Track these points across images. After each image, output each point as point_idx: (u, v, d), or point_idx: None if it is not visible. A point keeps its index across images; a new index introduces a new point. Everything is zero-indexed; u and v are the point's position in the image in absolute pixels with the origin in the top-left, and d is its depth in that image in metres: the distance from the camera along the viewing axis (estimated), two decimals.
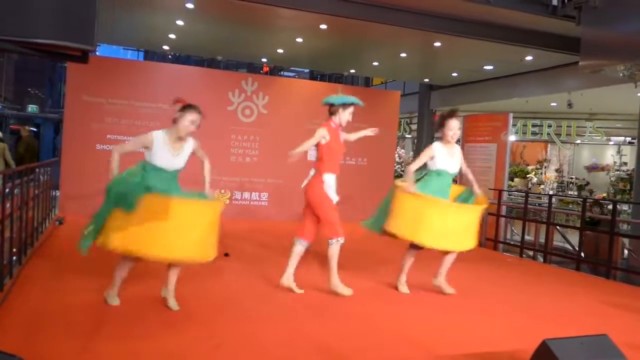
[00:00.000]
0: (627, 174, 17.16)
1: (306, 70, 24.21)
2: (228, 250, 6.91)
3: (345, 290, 5.14)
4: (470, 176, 5.49)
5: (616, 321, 4.93)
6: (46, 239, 7.08)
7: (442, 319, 4.69)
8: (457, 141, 5.54)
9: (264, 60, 15.48)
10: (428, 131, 17.71)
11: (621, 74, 9.64)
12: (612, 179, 18.04)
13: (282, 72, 27.71)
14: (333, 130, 5.33)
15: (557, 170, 19.29)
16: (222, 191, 10.50)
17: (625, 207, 13.16)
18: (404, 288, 5.46)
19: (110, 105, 9.84)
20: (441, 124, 5.47)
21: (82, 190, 9.53)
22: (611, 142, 19.71)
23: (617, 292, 6.22)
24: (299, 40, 11.56)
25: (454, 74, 14.91)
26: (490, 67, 13.49)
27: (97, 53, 24.11)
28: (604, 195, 17.10)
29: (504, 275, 6.46)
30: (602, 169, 19.26)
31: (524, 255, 8.48)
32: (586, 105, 15.68)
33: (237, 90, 10.65)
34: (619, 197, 16.02)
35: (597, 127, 18.42)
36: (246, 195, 10.70)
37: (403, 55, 12.54)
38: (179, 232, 4.05)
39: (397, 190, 5.27)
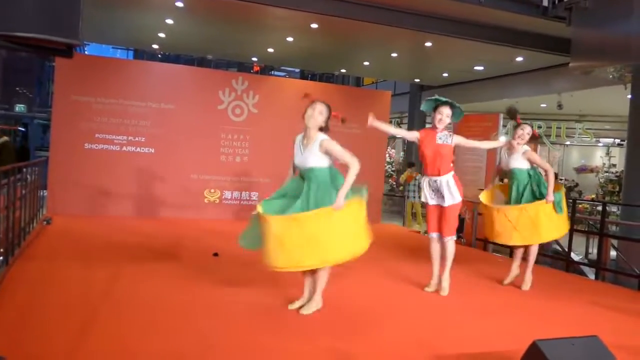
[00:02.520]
0: (616, 176, 17.26)
1: (297, 70, 24.20)
2: (217, 250, 6.86)
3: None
4: None
5: (606, 322, 4.93)
6: (34, 239, 7.00)
7: (433, 319, 4.67)
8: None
9: (254, 59, 15.45)
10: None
11: (611, 76, 9.69)
12: (601, 180, 18.14)
13: (272, 72, 27.67)
14: (426, 134, 5.43)
15: None
16: (212, 190, 10.45)
17: (614, 208, 13.24)
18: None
19: (99, 104, 9.76)
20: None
21: (71, 190, 9.47)
22: (600, 144, 19.84)
23: (607, 293, 6.23)
24: (290, 39, 11.53)
25: (445, 74, 14.94)
26: (481, 68, 13.53)
27: (86, 52, 23.97)
28: (593, 196, 17.20)
29: (494, 276, 6.45)
30: (591, 170, 19.37)
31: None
32: (576, 106, 15.77)
33: (228, 89, 10.60)
34: (607, 198, 16.11)
35: (586, 129, 18.54)
36: (236, 194, 10.65)
37: (394, 55, 12.55)
38: (326, 239, 4.15)
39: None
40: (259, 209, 4.35)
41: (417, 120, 17.59)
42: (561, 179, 19.24)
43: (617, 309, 5.42)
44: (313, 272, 4.50)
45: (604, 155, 19.05)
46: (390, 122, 18.56)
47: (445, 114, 5.35)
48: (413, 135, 5.53)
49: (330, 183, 4.30)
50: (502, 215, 5.82)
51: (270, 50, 12.90)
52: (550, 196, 5.72)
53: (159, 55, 24.13)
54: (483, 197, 6.19)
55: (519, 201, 5.85)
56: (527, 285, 5.96)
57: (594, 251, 9.28)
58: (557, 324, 4.76)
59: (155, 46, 13.84)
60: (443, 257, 5.49)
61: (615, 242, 8.99)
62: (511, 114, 5.96)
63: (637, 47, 8.31)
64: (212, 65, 22.66)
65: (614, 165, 18.35)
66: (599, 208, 9.40)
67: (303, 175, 4.42)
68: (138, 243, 7.39)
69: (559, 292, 6.01)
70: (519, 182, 5.89)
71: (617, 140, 18.71)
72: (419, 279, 5.97)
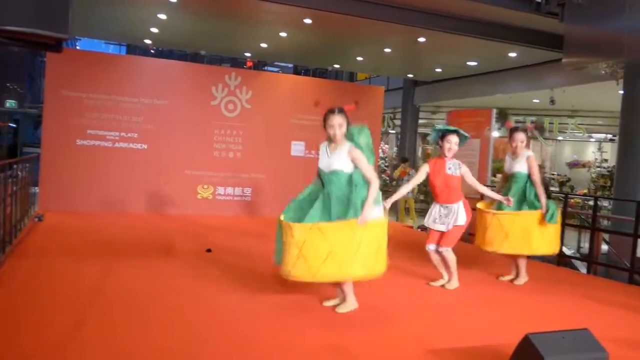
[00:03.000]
0: (608, 171, 17.36)
1: (290, 65, 24.16)
2: (211, 246, 6.86)
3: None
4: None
5: (597, 315, 4.97)
6: (25, 236, 6.98)
7: (428, 314, 4.69)
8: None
9: (247, 54, 15.42)
10: (412, 126, 17.76)
11: (603, 72, 9.72)
12: (593, 175, 18.24)
13: (265, 67, 27.61)
14: (434, 163, 5.53)
15: (539, 167, 19.44)
16: (205, 186, 10.43)
17: (605, 203, 13.31)
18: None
19: (91, 100, 9.70)
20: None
21: (62, 186, 9.43)
22: (592, 139, 19.92)
23: (598, 286, 6.27)
24: (283, 34, 11.51)
25: (438, 70, 14.96)
26: (474, 63, 13.55)
27: (77, 47, 23.86)
28: (585, 191, 17.29)
29: (488, 271, 6.48)
30: (583, 165, 19.48)
31: None
32: (568, 102, 15.81)
33: (221, 84, 10.57)
34: (599, 193, 16.20)
35: (578, 124, 18.61)
36: (229, 190, 10.64)
37: (387, 50, 12.55)
38: (347, 252, 4.16)
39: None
40: (282, 217, 4.38)
41: (410, 115, 17.63)
42: (553, 174, 19.34)
43: (608, 302, 5.46)
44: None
45: (595, 151, 19.15)
46: (383, 117, 18.58)
47: (453, 142, 5.45)
48: (424, 172, 5.56)
49: (349, 189, 4.32)
50: (496, 220, 5.86)
51: (264, 45, 12.87)
52: (545, 207, 5.81)
53: (152, 51, 24.04)
54: (482, 204, 6.27)
55: (514, 205, 5.89)
56: (521, 280, 6.02)
57: (585, 245, 9.33)
58: (549, 317, 4.80)
59: (147, 41, 13.78)
60: (447, 266, 5.60)
61: (606, 236, 9.05)
62: (502, 117, 6.06)
63: (629, 43, 8.35)
64: (205, 61, 22.59)
65: (606, 160, 18.46)
66: (591, 203, 9.44)
67: (323, 178, 4.46)
68: (130, 239, 7.37)
69: (552, 285, 6.05)
70: (518, 185, 5.95)
71: (609, 136, 18.80)
72: (415, 274, 6.00)
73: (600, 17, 8.89)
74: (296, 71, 23.67)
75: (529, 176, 5.94)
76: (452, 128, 5.57)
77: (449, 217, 5.47)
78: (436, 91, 16.73)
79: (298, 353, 3.54)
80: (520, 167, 5.94)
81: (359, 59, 14.07)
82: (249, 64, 24.72)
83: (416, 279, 5.83)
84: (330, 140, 4.47)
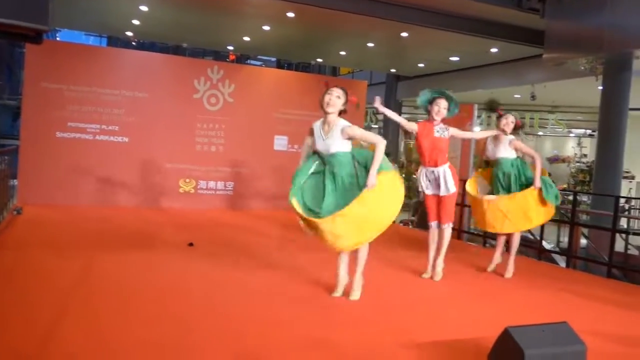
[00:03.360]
0: (587, 166, 17.58)
1: (273, 59, 24.03)
2: (193, 240, 6.83)
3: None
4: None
5: (576, 309, 5.04)
6: (4, 229, 6.89)
7: (414, 307, 4.72)
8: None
9: (230, 48, 15.32)
10: (394, 121, 17.78)
11: (583, 67, 9.84)
12: (572, 170, 18.44)
13: (248, 61, 27.45)
14: (423, 126, 5.61)
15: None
16: (187, 180, 10.37)
17: (584, 198, 13.48)
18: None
19: (71, 92, 9.58)
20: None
21: (42, 179, 9.31)
22: (572, 134, 20.14)
23: (577, 280, 6.36)
24: (266, 28, 11.46)
25: (421, 65, 15.00)
26: (456, 59, 13.61)
27: (57, 38, 23.50)
28: (565, 186, 17.48)
29: (469, 264, 6.54)
30: (563, 160, 19.69)
31: (487, 245, 8.60)
32: (549, 97, 15.96)
33: (203, 78, 10.50)
34: (579, 188, 16.39)
35: (559, 120, 18.79)
36: (212, 184, 10.59)
37: (370, 45, 12.56)
38: (375, 215, 4.38)
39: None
40: (294, 203, 4.46)
41: (393, 110, 17.64)
42: None
43: (587, 295, 5.54)
44: (354, 251, 4.65)
45: (575, 146, 19.37)
46: (366, 112, 18.61)
47: (442, 106, 5.54)
48: (411, 127, 5.67)
49: (353, 165, 4.46)
50: (493, 206, 5.91)
51: (247, 38, 12.80)
52: (538, 182, 5.85)
53: (133, 43, 23.77)
54: (469, 186, 6.29)
55: (506, 190, 5.97)
56: (509, 273, 6.11)
57: (565, 239, 9.44)
58: (529, 310, 4.85)
59: (129, 33, 13.62)
60: (439, 244, 5.70)
61: (585, 230, 9.16)
62: (492, 105, 6.13)
63: (609, 39, 8.45)
64: (187, 54, 22.38)
65: (585, 156, 18.68)
66: (570, 197, 9.56)
67: (325, 159, 4.52)
68: (111, 232, 7.32)
69: (532, 279, 6.12)
70: (504, 171, 6.01)
71: (589, 131, 19.03)
72: (402, 267, 6.03)
73: (581, 13, 8.98)
74: (279, 65, 23.55)
75: (514, 160, 5.99)
76: (441, 90, 5.63)
77: (437, 181, 5.59)
78: (419, 86, 16.70)
79: (283, 345, 3.54)
80: (504, 152, 5.99)
81: (342, 53, 14.06)
82: (232, 57, 24.55)
83: (405, 272, 5.87)
84: (323, 121, 4.51)
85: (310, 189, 4.54)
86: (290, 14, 10.11)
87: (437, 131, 5.55)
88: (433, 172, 5.60)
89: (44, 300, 4.10)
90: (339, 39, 12.37)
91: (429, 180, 5.66)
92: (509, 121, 5.96)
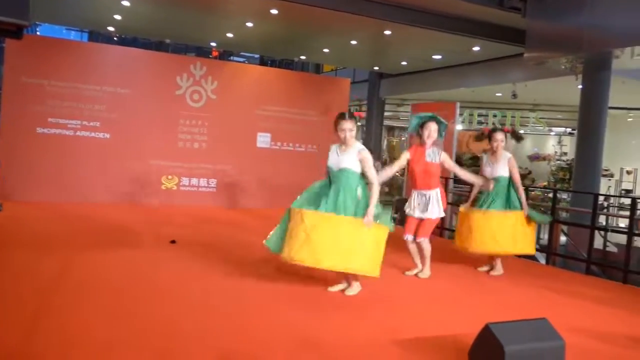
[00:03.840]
0: (567, 164, 17.77)
1: (256, 56, 23.97)
2: (175, 237, 6.80)
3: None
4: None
5: (555, 305, 5.11)
6: None
7: (398, 304, 4.76)
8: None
9: (213, 44, 15.24)
10: (377, 119, 17.85)
11: (563, 67, 9.95)
12: (552, 168, 18.63)
13: (231, 57, 27.34)
14: (415, 151, 5.72)
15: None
16: (169, 177, 10.32)
17: (564, 195, 13.63)
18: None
19: (52, 87, 9.48)
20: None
21: (22, 175, 9.21)
22: (552, 133, 20.34)
23: (557, 277, 6.45)
24: (249, 24, 11.42)
25: (404, 63, 15.05)
26: (439, 57, 13.67)
27: (38, 32, 23.20)
28: (545, 184, 17.67)
29: (451, 262, 6.60)
30: (544, 158, 19.87)
31: None
32: (530, 96, 16.10)
33: (186, 74, 10.44)
34: (559, 185, 16.57)
35: (539, 118, 18.96)
36: (194, 181, 10.54)
37: (353, 42, 12.56)
38: (350, 246, 4.55)
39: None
40: (293, 206, 4.71)
41: (375, 108, 17.70)
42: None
43: (566, 292, 5.62)
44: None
45: (555, 144, 19.56)
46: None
47: (432, 129, 5.64)
48: (405, 158, 5.77)
49: (356, 188, 4.73)
50: (484, 220, 5.99)
51: (230, 35, 12.74)
52: (527, 209, 6.02)
53: (115, 38, 23.54)
54: (463, 209, 6.39)
55: (500, 206, 6.05)
56: (499, 271, 6.27)
57: (545, 237, 9.55)
58: (510, 307, 4.91)
59: (110, 28, 13.49)
60: (422, 255, 5.84)
61: (565, 227, 9.28)
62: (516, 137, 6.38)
63: (589, 38, 8.55)
64: (169, 50, 22.24)
65: (565, 154, 18.88)
66: (550, 195, 9.66)
67: (333, 176, 4.80)
68: (92, 230, 7.26)
69: (512, 277, 6.19)
70: (500, 187, 6.08)
71: (569, 130, 19.23)
72: (385, 264, 6.05)
73: (561, 13, 9.07)
74: (262, 62, 23.50)
75: (510, 178, 6.09)
76: (429, 115, 5.71)
77: (427, 205, 5.67)
78: (402, 84, 16.84)
79: (266, 342, 3.54)
80: (502, 170, 6.07)
81: (326, 50, 14.05)
82: (215, 53, 24.44)
83: (389, 269, 5.88)
84: (341, 143, 4.82)
85: (310, 195, 4.83)
86: (274, 11, 10.08)
87: (429, 155, 5.64)
88: (425, 195, 5.70)
89: (22, 298, 4.07)
90: (322, 36, 12.36)
91: (419, 204, 5.74)
92: (499, 139, 6.07)
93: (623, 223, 9.83)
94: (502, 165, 6.05)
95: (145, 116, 10.08)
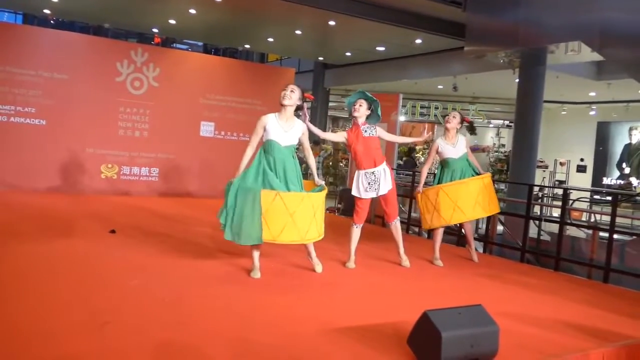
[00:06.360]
0: (505, 155, 18.34)
1: (200, 44, 23.54)
2: (115, 227, 6.66)
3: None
4: None
5: (491, 292, 5.29)
6: None
7: (329, 295, 4.79)
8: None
9: (155, 30, 14.92)
10: (322, 109, 17.91)
11: (501, 61, 10.25)
12: (491, 159, 19.19)
13: (174, 44, 26.75)
14: (351, 131, 5.72)
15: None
16: (109, 166, 10.07)
17: (502, 186, 14.06)
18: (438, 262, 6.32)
19: None
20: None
21: None
22: (491, 125, 20.93)
23: (493, 265, 6.67)
24: (192, 11, 11.24)
25: (348, 54, 15.15)
26: (382, 49, 13.84)
27: None
28: None
29: (391, 251, 6.70)
30: (483, 150, 20.44)
31: (410, 232, 8.85)
32: (470, 89, 16.53)
33: (126, 60, 10.18)
34: (497, 177, 17.08)
35: (479, 110, 19.48)
36: (135, 170, 10.32)
37: (298, 32, 12.56)
38: (305, 219, 4.79)
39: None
40: (239, 184, 4.75)
41: (320, 98, 17.75)
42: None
43: (501, 279, 5.82)
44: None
45: (494, 136, 20.16)
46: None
47: (358, 104, 5.65)
48: (341, 136, 5.82)
49: (295, 161, 4.97)
50: (443, 194, 6.09)
51: (172, 21, 12.51)
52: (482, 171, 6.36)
53: (52, 22, 22.66)
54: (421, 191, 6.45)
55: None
56: (475, 257, 6.61)
57: (482, 226, 9.84)
58: (448, 294, 5.05)
59: (47, 11, 13.01)
60: (397, 239, 5.93)
61: (502, 217, 9.58)
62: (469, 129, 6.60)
63: (525, 33, 8.84)
64: (109, 35, 21.55)
65: (503, 146, 19.49)
66: None
67: (276, 151, 4.85)
68: (27, 219, 7.02)
69: (451, 265, 6.34)
70: (457, 169, 6.22)
71: (507, 122, 19.85)
72: (327, 256, 6.10)
73: (499, 8, 9.33)
74: (206, 50, 23.08)
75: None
76: (358, 92, 5.78)
77: (378, 181, 5.63)
78: (346, 75, 16.96)
79: (204, 333, 3.53)
80: (464, 149, 6.24)
81: (270, 40, 13.99)
82: (157, 40, 23.86)
83: (330, 261, 5.90)
84: (280, 115, 4.96)
85: (254, 174, 4.83)
86: None
87: (365, 131, 5.62)
88: (373, 172, 5.61)
89: None
90: (266, 25, 12.30)
91: (369, 183, 5.62)
92: (457, 119, 6.26)
93: (556, 213, 10.22)
94: (462, 146, 6.22)
95: (83, 103, 9.78)
